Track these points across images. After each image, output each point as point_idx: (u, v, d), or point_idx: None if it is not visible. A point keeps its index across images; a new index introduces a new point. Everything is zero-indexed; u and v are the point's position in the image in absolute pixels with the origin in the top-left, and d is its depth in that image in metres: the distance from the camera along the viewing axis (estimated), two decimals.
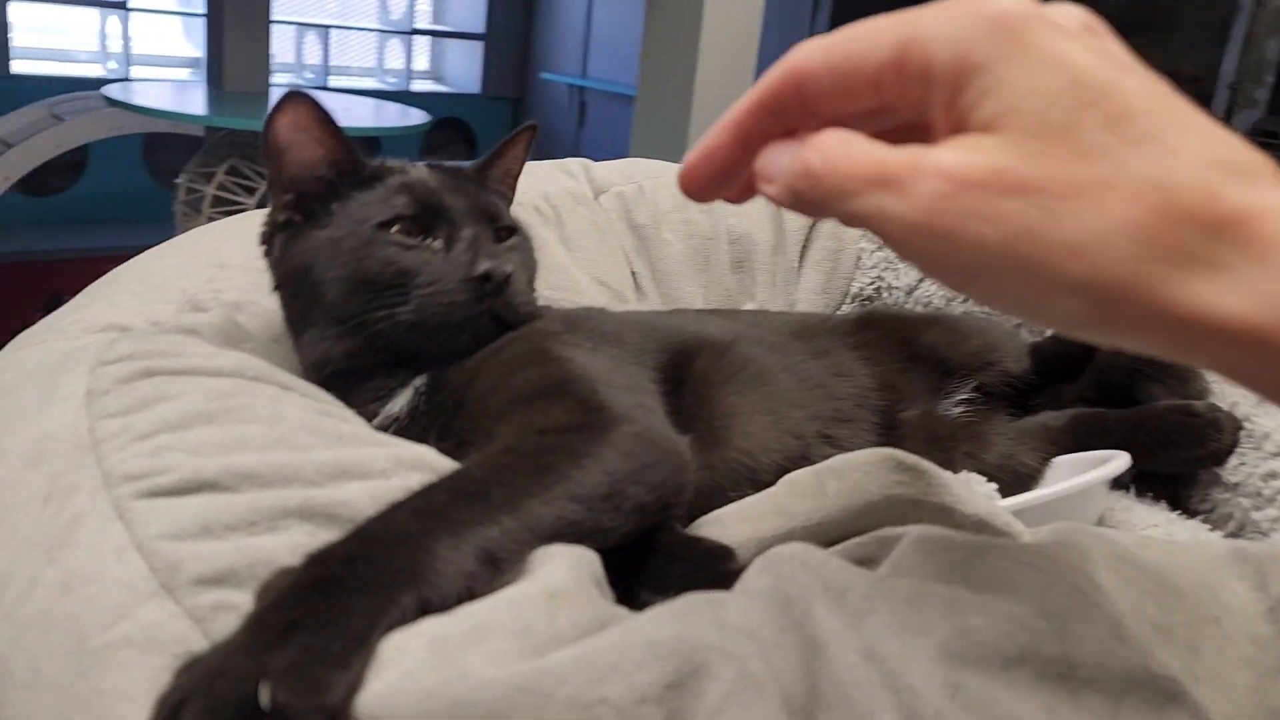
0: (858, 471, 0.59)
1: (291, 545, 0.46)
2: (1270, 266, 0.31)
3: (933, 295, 1.14)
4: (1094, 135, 0.32)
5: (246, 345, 0.69)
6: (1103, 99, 0.33)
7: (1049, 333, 0.99)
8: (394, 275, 0.67)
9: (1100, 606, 0.48)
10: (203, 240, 0.81)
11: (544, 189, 1.05)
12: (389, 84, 4.78)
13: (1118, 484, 0.82)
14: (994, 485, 0.74)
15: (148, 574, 0.44)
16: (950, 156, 0.33)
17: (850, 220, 0.36)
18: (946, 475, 0.59)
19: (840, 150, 0.35)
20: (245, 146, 2.72)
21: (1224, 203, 0.32)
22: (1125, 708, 0.45)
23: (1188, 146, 0.32)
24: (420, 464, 0.55)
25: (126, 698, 0.41)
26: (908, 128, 0.36)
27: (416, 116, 2.98)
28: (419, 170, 0.76)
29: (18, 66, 3.60)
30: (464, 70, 5.02)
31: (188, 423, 0.53)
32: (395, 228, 0.69)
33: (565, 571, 0.46)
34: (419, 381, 0.68)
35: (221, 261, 0.77)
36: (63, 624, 0.43)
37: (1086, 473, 0.72)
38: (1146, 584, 0.51)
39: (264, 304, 0.74)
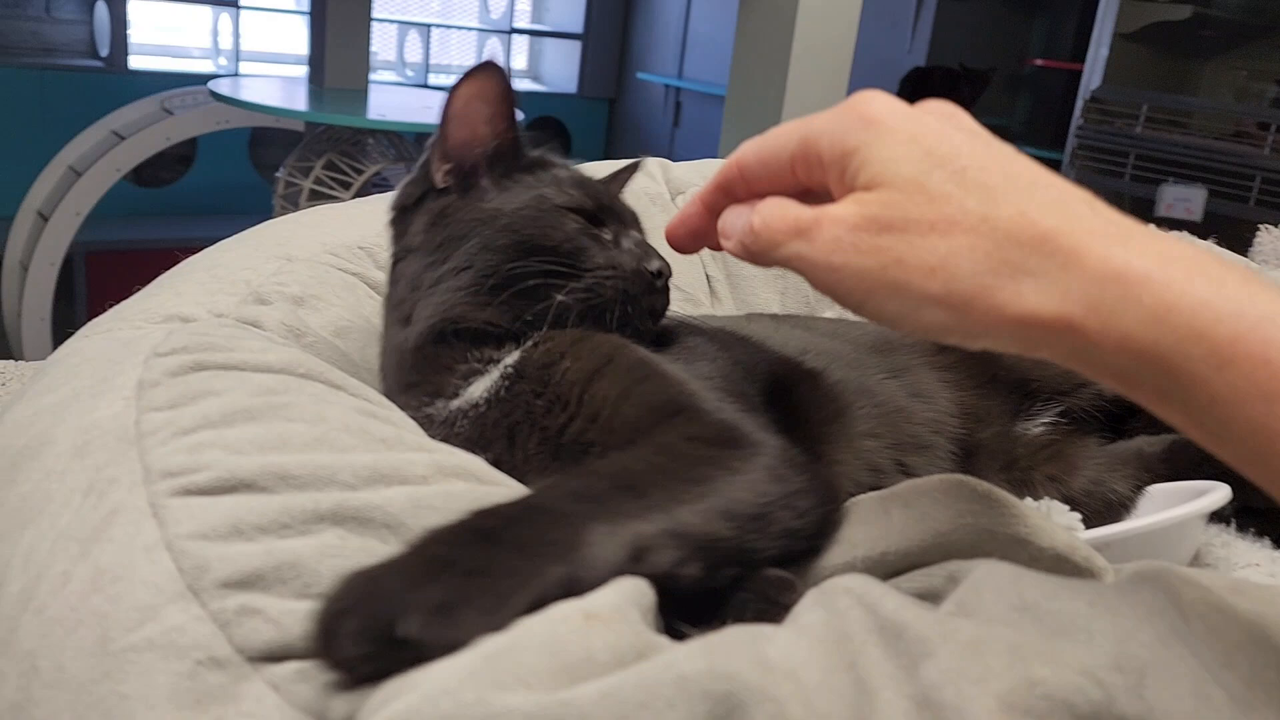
0: (925, 499, 0.55)
1: (322, 549, 0.45)
2: (1070, 269, 0.41)
3: None
4: (940, 186, 0.43)
5: (306, 339, 0.68)
6: (947, 161, 0.44)
7: None
8: (573, 251, 0.69)
9: (1185, 661, 0.44)
10: (271, 233, 0.81)
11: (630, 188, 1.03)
12: None
13: (1217, 517, 0.76)
14: (1078, 515, 0.69)
15: (175, 574, 0.44)
16: (840, 209, 0.45)
17: (783, 264, 0.48)
18: (1023, 504, 0.55)
19: (774, 211, 0.47)
20: (343, 142, 2.77)
21: (1036, 225, 0.41)
22: None
23: (1011, 187, 0.43)
24: (462, 471, 0.53)
25: (147, 704, 0.40)
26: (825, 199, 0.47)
27: (521, 117, 3.00)
28: (578, 169, 0.78)
29: (135, 62, 3.74)
30: (561, 70, 5.05)
31: (230, 419, 0.52)
32: (574, 214, 0.71)
33: (607, 593, 0.44)
34: (510, 360, 0.66)
35: (288, 255, 0.77)
36: (89, 622, 0.43)
37: (1183, 504, 0.67)
38: (1238, 636, 0.46)
39: (327, 298, 0.73)
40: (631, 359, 0.64)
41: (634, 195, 1.05)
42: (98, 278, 3.33)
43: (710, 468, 0.51)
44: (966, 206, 0.43)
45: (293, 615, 0.42)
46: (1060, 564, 0.54)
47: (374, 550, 0.46)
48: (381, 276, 0.78)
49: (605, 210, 0.73)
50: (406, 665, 0.38)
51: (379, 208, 0.91)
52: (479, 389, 0.66)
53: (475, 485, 0.52)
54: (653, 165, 1.10)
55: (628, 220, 0.75)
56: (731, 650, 0.40)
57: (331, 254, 0.78)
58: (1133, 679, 0.42)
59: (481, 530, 0.43)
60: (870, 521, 0.56)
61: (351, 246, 0.81)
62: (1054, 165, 3.72)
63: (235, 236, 0.82)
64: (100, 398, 0.55)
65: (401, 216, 0.75)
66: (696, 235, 0.55)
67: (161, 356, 0.58)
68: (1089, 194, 0.44)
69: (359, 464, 0.51)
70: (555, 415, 0.62)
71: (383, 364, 0.74)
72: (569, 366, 0.63)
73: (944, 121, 0.46)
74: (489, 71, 0.71)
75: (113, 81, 3.62)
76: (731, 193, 0.52)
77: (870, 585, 0.50)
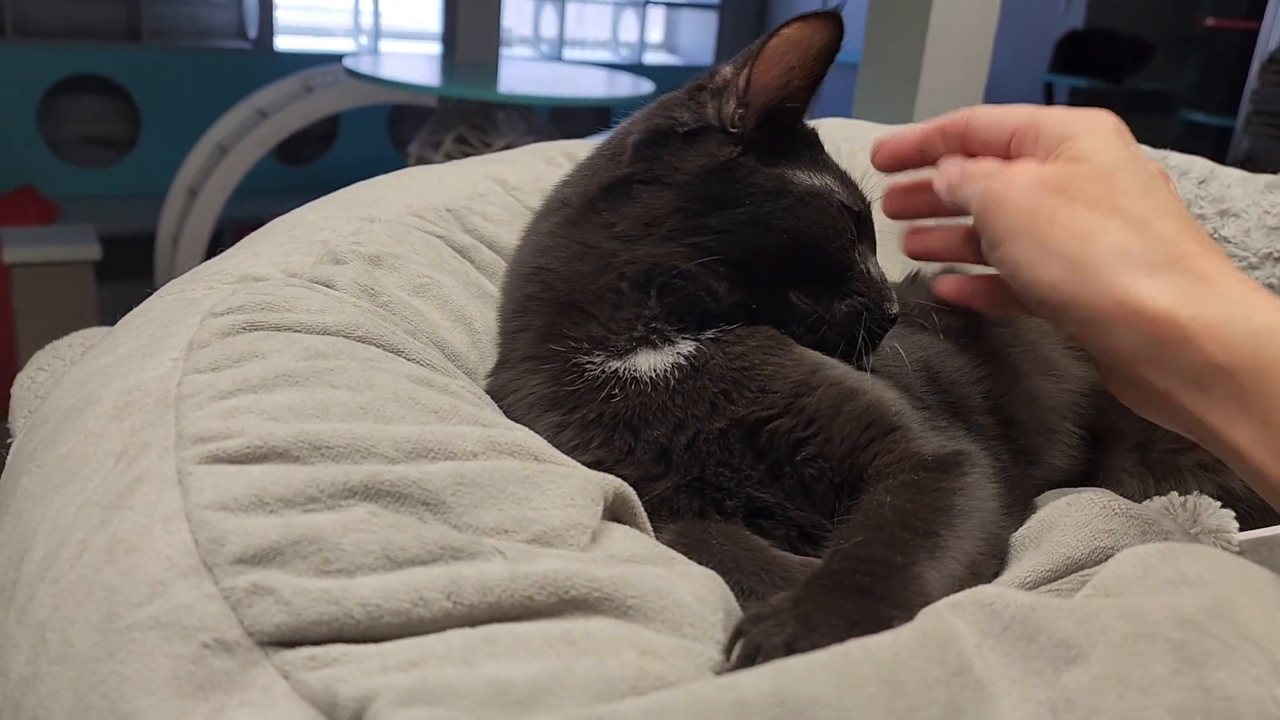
0: (1059, 531, 0.49)
1: (346, 523, 0.41)
2: (1196, 284, 0.48)
3: None
4: (1125, 182, 0.52)
5: (381, 299, 0.64)
6: (1141, 170, 0.52)
7: None
8: (841, 266, 0.64)
9: None
10: (358, 194, 0.78)
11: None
12: (622, 56, 4.80)
13: None
14: (1231, 513, 0.59)
15: (191, 547, 0.40)
16: (1033, 164, 0.55)
17: (967, 201, 0.57)
18: (1166, 522, 0.47)
19: (983, 163, 0.57)
20: (473, 116, 2.78)
21: (1183, 246, 0.49)
22: None
23: (1180, 216, 0.51)
24: (517, 449, 0.48)
25: (146, 688, 0.36)
26: None
27: (647, 88, 2.96)
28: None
29: (281, 43, 3.86)
30: (698, 41, 4.97)
31: (271, 384, 0.49)
32: (850, 217, 0.65)
33: (665, 638, 0.39)
34: (686, 349, 0.61)
35: (371, 215, 0.73)
36: (99, 595, 0.39)
37: None
38: None
39: (406, 257, 0.69)
40: (836, 374, 0.62)
41: None
42: None
43: (950, 497, 0.54)
44: (1136, 206, 0.50)
45: (307, 595, 0.38)
46: None
47: (406, 527, 0.41)
48: (467, 240, 0.74)
49: (864, 221, 0.67)
50: None
51: (471, 170, 0.87)
52: (647, 363, 0.61)
53: (529, 463, 0.47)
54: None
55: (871, 235, 0.68)
56: (807, 672, 0.34)
57: (416, 215, 0.75)
58: None
59: (856, 586, 0.46)
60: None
61: (438, 209, 0.77)
62: (1226, 132, 3.46)
63: (323, 199, 0.79)
64: (150, 358, 0.53)
65: (658, 141, 0.65)
66: (898, 157, 0.64)
67: (217, 316, 0.55)
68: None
69: (402, 435, 0.46)
70: (752, 408, 0.60)
71: (521, 292, 0.66)
72: (772, 374, 0.60)
73: (1138, 155, 0.54)
74: (819, 22, 0.62)
75: (260, 62, 3.75)
76: (948, 137, 0.60)
77: (988, 588, 0.43)
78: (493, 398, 0.64)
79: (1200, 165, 0.94)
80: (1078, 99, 4.12)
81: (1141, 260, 0.49)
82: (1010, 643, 0.39)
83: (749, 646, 0.40)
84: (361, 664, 0.36)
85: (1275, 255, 0.84)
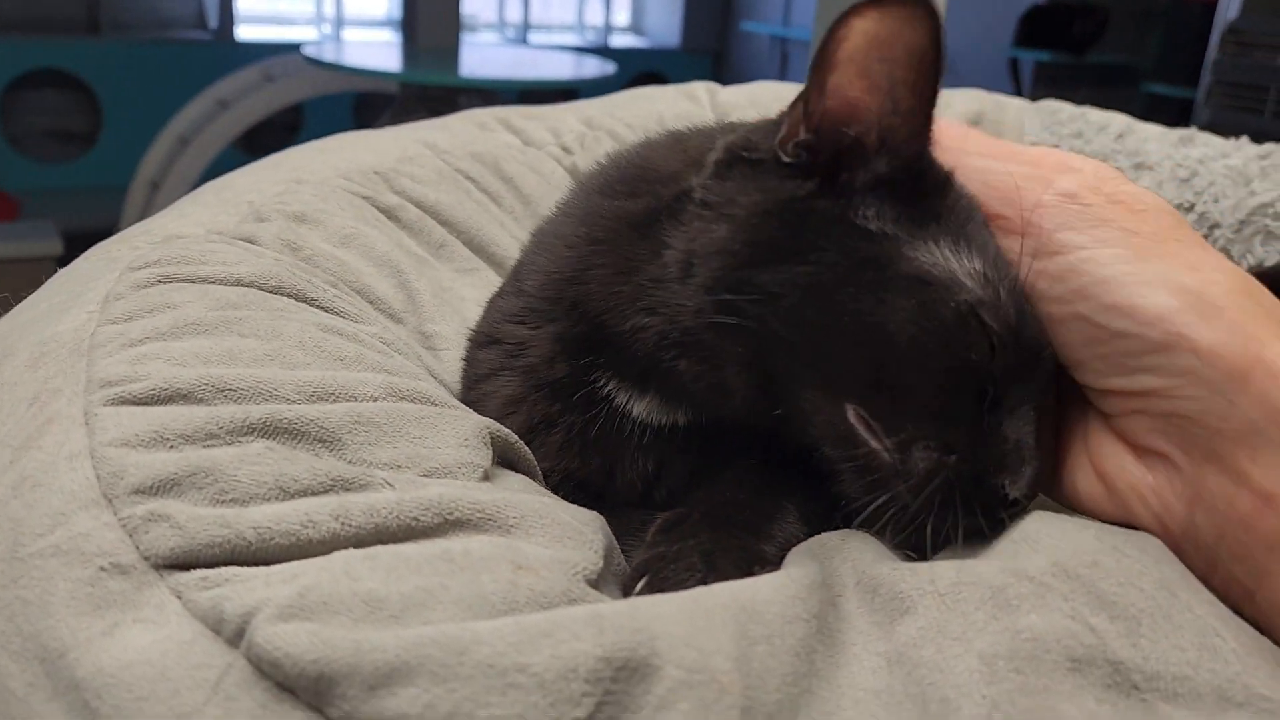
0: None
1: (242, 456, 0.42)
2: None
3: None
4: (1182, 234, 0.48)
5: (304, 253, 0.65)
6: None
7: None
8: (939, 402, 0.45)
9: (1191, 610, 0.38)
10: (290, 158, 0.80)
11: (661, 113, 0.98)
12: (588, 39, 4.80)
13: None
14: None
15: (93, 481, 0.42)
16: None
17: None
18: None
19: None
20: (435, 101, 2.78)
21: (1218, 299, 0.43)
22: None
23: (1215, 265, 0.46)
24: (418, 396, 0.50)
25: (45, 611, 0.38)
26: None
27: (610, 70, 2.97)
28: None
29: (242, 33, 3.84)
30: (664, 22, 4.97)
31: (180, 332, 0.50)
32: (978, 327, 0.45)
33: (542, 550, 0.41)
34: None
35: (299, 178, 0.75)
36: (6, 528, 0.41)
37: None
38: None
39: (331, 212, 0.70)
40: None
41: (675, 121, 0.99)
42: None
43: None
44: (1195, 254, 0.47)
45: (200, 521, 0.39)
46: None
47: (302, 462, 0.43)
48: (394, 200, 0.76)
49: (1022, 357, 0.46)
50: None
51: (403, 135, 0.89)
52: (643, 407, 0.54)
53: (424, 407, 0.49)
54: (699, 89, 1.04)
55: (1040, 381, 0.48)
56: (667, 603, 0.36)
57: (344, 178, 0.76)
58: (1128, 625, 0.37)
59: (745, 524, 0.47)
60: None
61: (366, 171, 0.78)
62: (1187, 104, 3.49)
63: (256, 163, 0.81)
64: (68, 311, 0.54)
65: (735, 161, 0.51)
66: None
67: (134, 270, 0.56)
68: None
69: (305, 379, 0.48)
70: None
71: (555, 289, 0.56)
72: None
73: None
74: (913, 9, 0.45)
75: (221, 52, 3.73)
76: None
77: (853, 538, 0.46)
78: (472, 359, 0.61)
79: (1118, 120, 0.97)
80: (1042, 73, 4.15)
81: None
82: (861, 595, 0.42)
83: (654, 583, 0.42)
84: (248, 583, 0.38)
85: (1185, 205, 0.86)
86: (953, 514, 0.44)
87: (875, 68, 0.46)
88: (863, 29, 0.46)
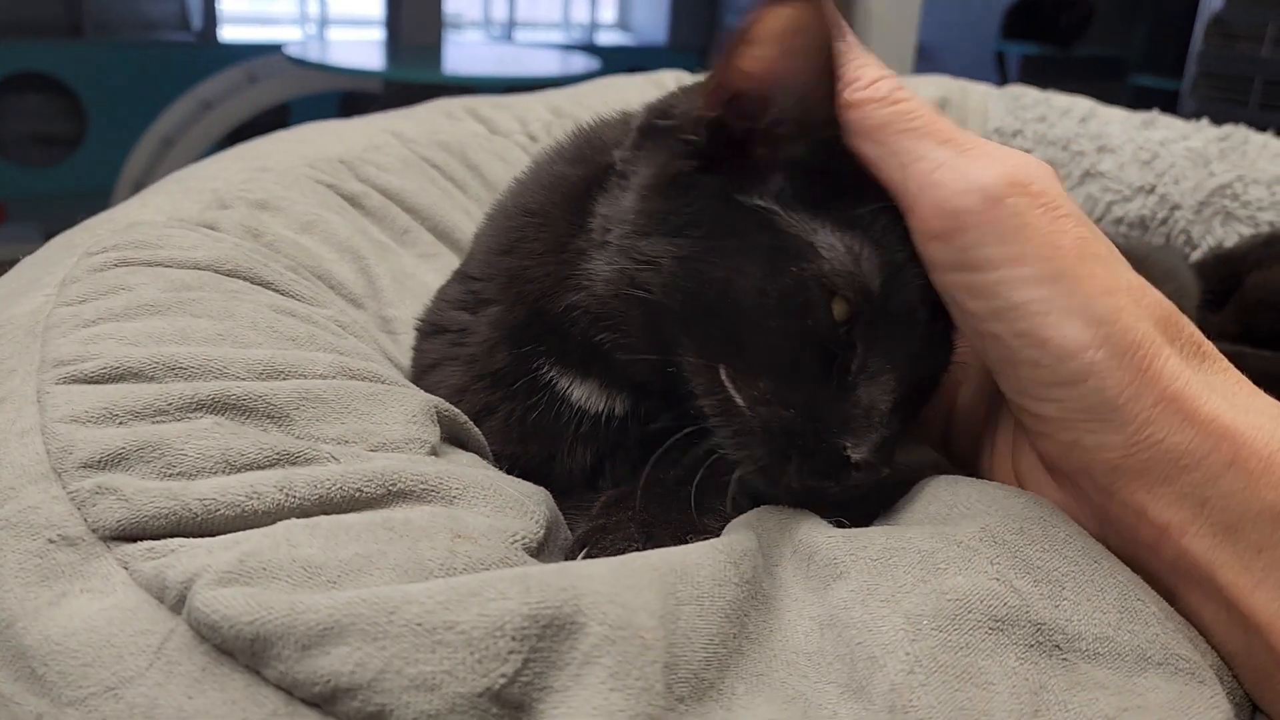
0: None
1: (189, 432, 0.43)
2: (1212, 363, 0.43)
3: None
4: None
5: (265, 239, 0.66)
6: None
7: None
8: (786, 363, 0.47)
9: (1114, 575, 0.39)
10: (256, 148, 0.80)
11: (629, 102, 0.98)
12: (574, 37, 4.80)
13: None
14: None
15: (42, 457, 0.42)
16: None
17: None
18: None
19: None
20: (419, 99, 2.79)
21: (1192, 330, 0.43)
22: (1139, 687, 0.35)
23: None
24: (368, 375, 0.50)
25: None
26: None
27: (595, 66, 2.99)
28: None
29: (226, 34, 3.84)
30: (650, 19, 4.98)
31: (133, 313, 0.51)
32: (836, 309, 0.47)
33: (481, 519, 0.42)
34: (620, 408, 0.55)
35: (264, 166, 0.75)
36: None
37: None
38: None
39: (293, 199, 0.71)
40: None
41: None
42: None
43: None
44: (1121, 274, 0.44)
45: (147, 494, 0.40)
46: None
47: (249, 437, 0.44)
48: (358, 187, 0.76)
49: (882, 320, 0.47)
50: None
51: (370, 125, 0.89)
52: (582, 392, 0.55)
53: (374, 385, 0.50)
54: (668, 78, 1.05)
55: (901, 344, 0.48)
56: (596, 565, 0.37)
57: (309, 166, 0.77)
58: (1051, 588, 0.38)
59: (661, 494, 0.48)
60: None
61: (331, 160, 0.79)
62: (1174, 95, 3.50)
63: (222, 152, 0.81)
64: (26, 295, 0.55)
65: (650, 130, 0.53)
66: None
67: (91, 255, 0.57)
68: None
69: (255, 358, 0.49)
70: None
71: (496, 264, 0.58)
72: None
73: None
74: (824, 5, 0.45)
75: (205, 53, 3.73)
76: None
77: (787, 511, 0.47)
78: (419, 349, 0.62)
79: (1082, 104, 0.97)
80: (1029, 66, 4.17)
81: (1178, 351, 0.42)
82: (796, 562, 0.43)
83: (593, 554, 0.43)
84: (191, 552, 0.38)
85: (1147, 188, 0.87)
86: (798, 469, 0.46)
87: (790, 53, 0.47)
88: (781, 15, 0.46)
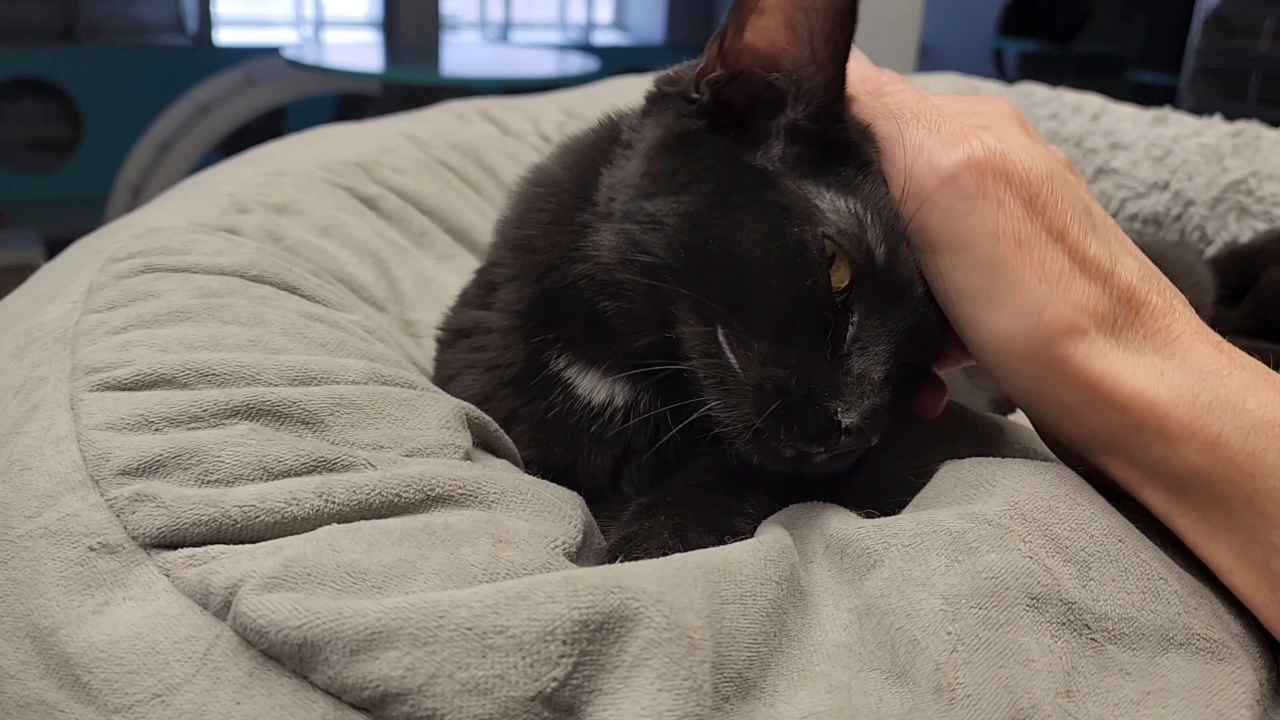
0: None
1: (226, 439, 0.43)
2: (1155, 338, 0.43)
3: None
4: (1063, 198, 0.45)
5: (285, 243, 0.66)
6: (1064, 185, 0.46)
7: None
8: (785, 324, 0.47)
9: (1137, 555, 0.39)
10: (270, 151, 0.80)
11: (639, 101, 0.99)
12: (571, 37, 4.80)
13: None
14: None
15: (80, 464, 0.42)
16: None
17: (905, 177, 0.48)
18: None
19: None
20: (417, 100, 2.78)
21: (1142, 298, 0.43)
22: (1161, 669, 0.35)
23: (1124, 249, 0.46)
24: (400, 381, 0.50)
25: (35, 591, 0.39)
26: None
27: (593, 66, 2.99)
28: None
29: (222, 37, 3.83)
30: (647, 18, 4.98)
31: (163, 320, 0.51)
32: (835, 276, 0.46)
33: (521, 525, 0.42)
34: (620, 395, 0.54)
35: (279, 169, 0.75)
36: None
37: None
38: None
39: (311, 203, 0.71)
40: None
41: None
42: None
43: None
44: (1087, 240, 0.45)
45: (186, 501, 0.40)
46: None
47: (285, 443, 0.44)
48: (374, 189, 0.76)
49: (882, 288, 0.47)
50: None
51: (383, 127, 0.89)
52: (589, 384, 0.55)
53: (405, 390, 0.50)
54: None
55: (900, 317, 0.47)
56: (640, 567, 0.37)
57: (324, 169, 0.77)
58: (1079, 568, 0.38)
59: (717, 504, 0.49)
60: None
61: (346, 162, 0.79)
62: (1172, 92, 3.51)
63: (236, 157, 0.81)
64: (52, 302, 0.55)
65: (658, 98, 0.53)
66: None
67: (116, 262, 0.57)
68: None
69: (287, 364, 0.49)
70: None
71: (507, 251, 0.58)
72: None
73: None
74: None
75: (201, 57, 3.72)
76: None
77: (819, 507, 0.47)
78: (440, 360, 0.62)
79: (1093, 102, 0.98)
80: (1027, 64, 4.17)
81: (1109, 322, 0.42)
82: (829, 556, 0.43)
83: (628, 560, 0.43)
84: (234, 557, 0.38)
85: (1160, 184, 0.88)
86: (786, 431, 0.45)
87: (797, 15, 0.47)
88: None
